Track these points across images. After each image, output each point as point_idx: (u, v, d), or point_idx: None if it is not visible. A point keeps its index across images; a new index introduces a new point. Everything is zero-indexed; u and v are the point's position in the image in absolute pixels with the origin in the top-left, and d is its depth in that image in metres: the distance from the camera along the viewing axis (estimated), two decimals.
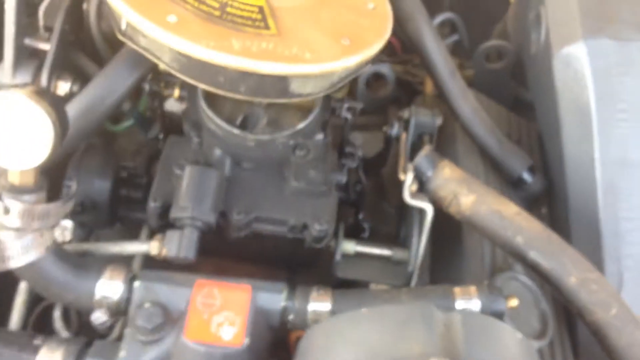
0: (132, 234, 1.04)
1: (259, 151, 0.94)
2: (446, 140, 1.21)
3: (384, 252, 1.02)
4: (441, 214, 0.99)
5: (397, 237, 1.16)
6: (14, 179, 0.78)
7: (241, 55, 0.80)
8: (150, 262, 0.99)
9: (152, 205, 0.92)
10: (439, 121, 1.14)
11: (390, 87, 1.40)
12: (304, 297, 0.85)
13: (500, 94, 1.40)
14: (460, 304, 0.82)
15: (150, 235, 1.03)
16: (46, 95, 0.76)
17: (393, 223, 1.22)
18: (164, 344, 0.80)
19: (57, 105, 0.76)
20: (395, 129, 1.09)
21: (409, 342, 0.65)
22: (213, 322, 0.80)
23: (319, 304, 0.84)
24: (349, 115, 1.00)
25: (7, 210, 0.77)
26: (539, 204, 1.18)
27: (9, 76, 1.01)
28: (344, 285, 0.97)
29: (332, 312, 0.84)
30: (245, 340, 0.79)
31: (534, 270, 0.90)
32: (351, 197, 1.06)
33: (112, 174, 1.00)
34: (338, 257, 0.98)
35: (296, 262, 1.04)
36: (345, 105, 0.99)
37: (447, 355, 0.63)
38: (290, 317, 0.84)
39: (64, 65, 1.05)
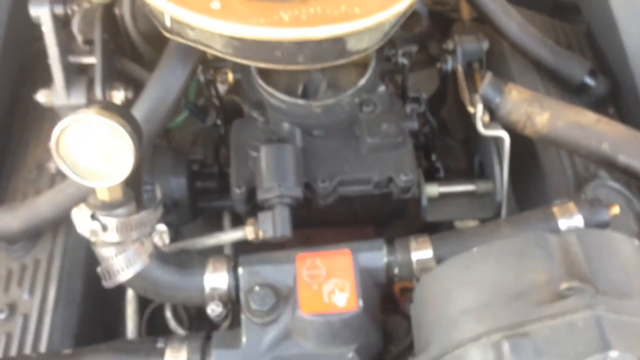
0: (214, 224, 1.06)
1: (326, 116, 0.93)
2: (496, 63, 1.19)
3: (468, 187, 1.01)
4: (510, 137, 0.98)
5: (471, 171, 1.16)
6: (104, 196, 0.79)
7: (294, 25, 0.79)
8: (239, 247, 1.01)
9: (237, 192, 0.93)
10: (485, 45, 1.12)
11: (425, 22, 1.37)
12: (404, 248, 0.86)
13: (538, 2, 1.37)
14: (563, 223, 0.81)
15: (233, 221, 1.05)
16: (116, 109, 0.76)
17: (461, 158, 1.21)
18: (282, 322, 0.81)
19: (128, 115, 0.77)
20: (449, 64, 1.08)
21: (532, 272, 0.65)
22: (324, 292, 0.81)
23: (421, 252, 0.85)
24: (405, 61, 0.98)
25: (104, 228, 0.79)
26: (605, 106, 1.15)
27: (63, 97, 1.02)
28: (427, 230, 0.97)
29: (436, 258, 0.84)
30: (359, 303, 0.80)
31: (625, 172, 0.89)
32: (421, 140, 1.05)
33: (185, 169, 1.01)
34: (424, 202, 0.98)
35: (384, 217, 1.04)
36: (400, 51, 0.97)
37: (574, 277, 0.63)
38: (395, 270, 0.85)
39: (112, 75, 1.05)
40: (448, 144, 1.22)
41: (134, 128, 0.76)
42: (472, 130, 1.04)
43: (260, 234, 0.89)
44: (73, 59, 1.03)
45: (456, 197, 1.03)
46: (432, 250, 0.84)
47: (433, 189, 1.00)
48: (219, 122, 1.11)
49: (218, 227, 1.06)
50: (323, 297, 0.81)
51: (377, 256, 0.86)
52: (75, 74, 1.03)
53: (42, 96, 1.03)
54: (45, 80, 1.03)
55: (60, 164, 0.75)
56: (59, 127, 0.73)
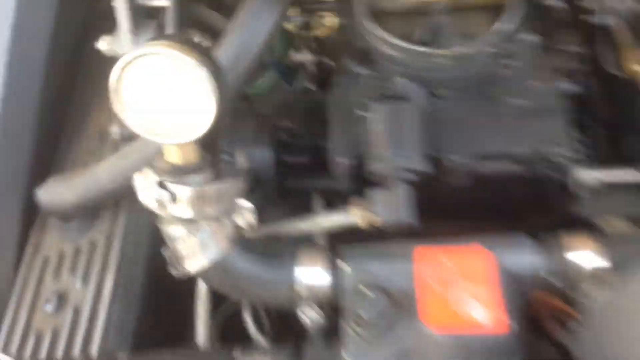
0: (302, 209, 0.86)
1: (458, 70, 0.73)
2: None
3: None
4: None
5: (618, 157, 0.93)
6: (175, 158, 0.61)
7: None
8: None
9: (341, 162, 0.73)
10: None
11: None
12: (562, 250, 0.64)
13: None
14: None
15: (327, 205, 0.85)
16: (193, 44, 0.57)
17: (602, 141, 0.98)
18: (397, 338, 0.61)
19: (208, 55, 0.58)
20: (607, 17, 0.85)
21: None
22: (456, 302, 0.61)
23: (591, 256, 0.63)
24: (559, 2, 0.77)
25: (174, 198, 0.60)
26: None
27: (128, 43, 0.85)
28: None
29: (614, 265, 0.62)
30: (510, 323, 0.59)
31: None
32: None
33: (271, 139, 0.82)
34: (581, 191, 0.75)
35: (518, 209, 0.81)
36: None
37: None
38: (551, 280, 0.63)
39: (186, 22, 0.88)
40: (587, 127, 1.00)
41: (216, 71, 0.57)
42: (630, 106, 0.82)
43: (374, 220, 0.68)
44: (141, 0, 0.86)
45: (612, 188, 0.80)
46: (608, 256, 0.62)
47: (592, 175, 0.77)
48: (310, 85, 0.91)
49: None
50: (456, 310, 0.60)
51: (526, 259, 0.64)
52: (144, 18, 0.86)
53: (104, 43, 0.87)
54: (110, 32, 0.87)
55: (121, 113, 0.57)
56: (122, 63, 0.55)
